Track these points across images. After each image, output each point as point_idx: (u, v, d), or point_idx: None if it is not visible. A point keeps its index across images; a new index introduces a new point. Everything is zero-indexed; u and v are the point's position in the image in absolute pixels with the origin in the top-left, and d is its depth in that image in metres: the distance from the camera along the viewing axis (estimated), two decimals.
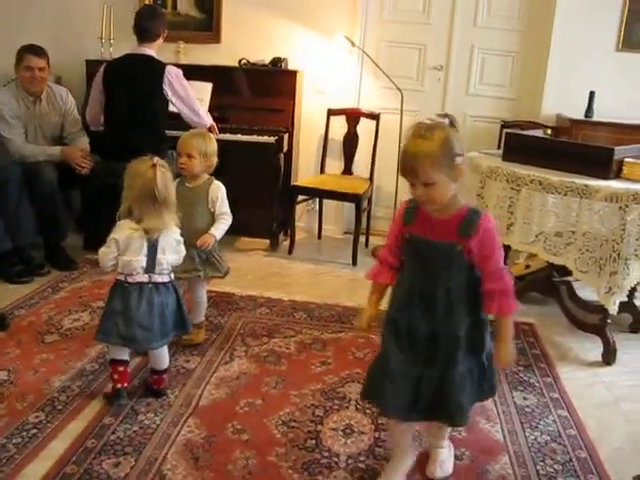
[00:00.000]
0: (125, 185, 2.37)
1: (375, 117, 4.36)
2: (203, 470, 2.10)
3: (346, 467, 2.15)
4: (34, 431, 2.24)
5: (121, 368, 2.46)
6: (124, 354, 2.48)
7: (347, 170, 4.48)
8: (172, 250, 2.45)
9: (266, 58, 4.43)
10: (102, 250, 2.37)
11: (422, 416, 2.00)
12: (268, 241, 4.36)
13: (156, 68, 3.70)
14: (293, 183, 4.36)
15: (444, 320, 1.91)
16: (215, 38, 4.55)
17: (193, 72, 4.33)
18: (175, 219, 2.45)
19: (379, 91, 4.56)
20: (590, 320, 3.20)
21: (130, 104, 3.67)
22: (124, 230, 2.35)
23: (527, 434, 2.42)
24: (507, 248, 3.64)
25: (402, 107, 4.21)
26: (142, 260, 2.37)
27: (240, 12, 4.50)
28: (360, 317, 2.08)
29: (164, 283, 2.43)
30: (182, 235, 2.62)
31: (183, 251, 2.52)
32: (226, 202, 2.89)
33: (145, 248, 2.37)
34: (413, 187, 1.81)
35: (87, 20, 4.61)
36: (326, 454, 2.22)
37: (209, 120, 3.95)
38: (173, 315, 2.48)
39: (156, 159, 2.39)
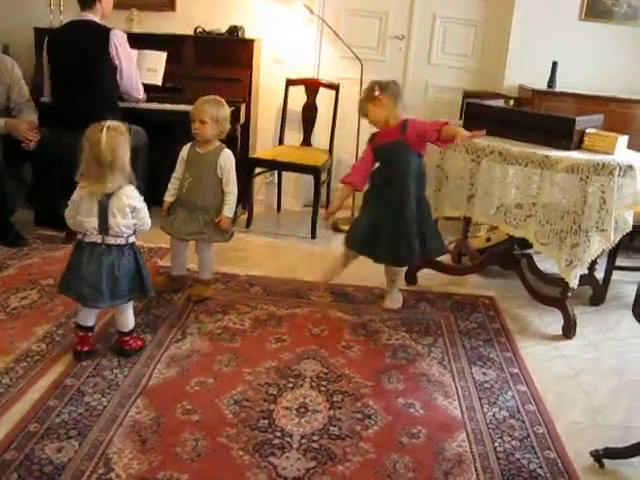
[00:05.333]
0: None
1: (334, 87, 4.25)
2: (150, 453, 2.01)
3: (299, 447, 2.08)
4: None
5: (82, 333, 2.52)
6: (88, 320, 2.50)
7: (306, 141, 4.38)
8: (124, 214, 2.42)
9: (223, 27, 4.26)
10: (66, 209, 2.45)
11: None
12: None
13: (100, 33, 3.53)
14: (251, 155, 4.23)
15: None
16: (170, 5, 4.35)
17: (147, 41, 4.19)
18: (125, 183, 2.43)
19: (339, 61, 4.44)
20: (551, 293, 3.17)
21: (75, 72, 3.52)
22: (77, 191, 2.41)
23: (485, 410, 2.38)
24: (468, 220, 3.62)
25: (362, 77, 4.10)
26: (93, 221, 2.39)
27: None
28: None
29: (119, 245, 2.43)
30: (190, 198, 2.95)
31: (144, 218, 2.50)
32: (234, 173, 3.02)
33: (95, 210, 2.38)
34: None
35: None
36: (279, 434, 2.14)
37: (140, 92, 3.85)
38: (129, 278, 2.47)
39: (109, 123, 2.38)
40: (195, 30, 4.25)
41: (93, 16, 3.57)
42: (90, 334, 2.54)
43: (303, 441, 2.12)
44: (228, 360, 2.58)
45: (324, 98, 4.33)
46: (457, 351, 2.80)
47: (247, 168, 4.11)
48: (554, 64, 4.01)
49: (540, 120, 3.02)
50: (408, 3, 4.36)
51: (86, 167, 2.37)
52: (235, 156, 4.04)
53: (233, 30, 4.23)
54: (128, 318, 2.58)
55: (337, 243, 4.05)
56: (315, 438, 2.14)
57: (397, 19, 4.40)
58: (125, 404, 2.25)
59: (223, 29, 4.26)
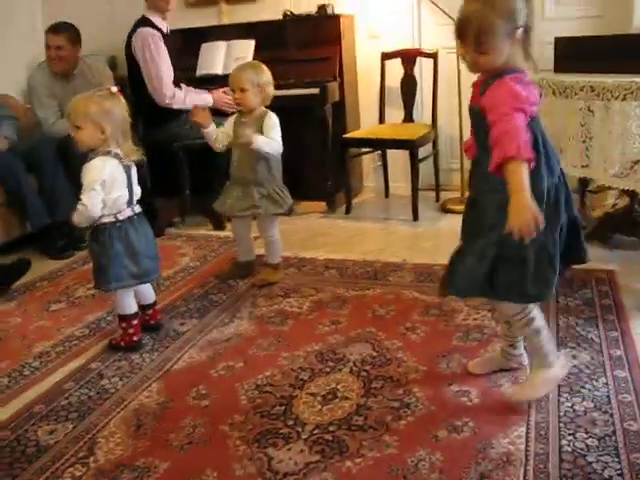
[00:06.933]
0: (98, 125, 2.18)
1: (432, 56, 3.83)
2: (140, 438, 1.80)
3: (308, 438, 1.75)
4: None
5: (135, 321, 2.36)
6: (134, 306, 2.37)
7: (408, 117, 3.99)
8: (135, 179, 2.34)
9: (313, 7, 4.05)
10: (87, 197, 2.18)
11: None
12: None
13: (132, 31, 3.60)
14: (344, 136, 3.94)
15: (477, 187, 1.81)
16: None
17: (235, 31, 4.12)
18: None
19: (440, 28, 3.98)
20: None
21: (128, 72, 3.63)
22: (106, 167, 2.20)
23: (563, 400, 1.86)
24: (584, 185, 3.04)
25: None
26: (126, 194, 2.26)
27: None
28: None
29: (140, 212, 2.35)
30: (241, 172, 2.73)
31: None
32: (277, 130, 2.74)
33: (125, 180, 2.26)
34: (462, 49, 1.67)
35: None
36: (290, 423, 1.83)
37: (163, 99, 3.59)
38: None
39: (112, 88, 2.28)
40: (284, 14, 4.09)
41: (148, 13, 3.63)
42: (137, 320, 2.40)
43: (316, 431, 1.78)
44: (268, 344, 2.31)
45: (423, 69, 3.94)
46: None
47: (340, 149, 3.84)
48: None
49: None
50: None
51: (120, 135, 2.22)
52: (326, 136, 3.85)
53: (322, 9, 4.00)
54: (151, 286, 2.48)
55: (443, 224, 3.64)
56: (331, 429, 1.79)
57: None
58: (138, 388, 2.07)
59: (314, 10, 4.05)
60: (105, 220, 2.24)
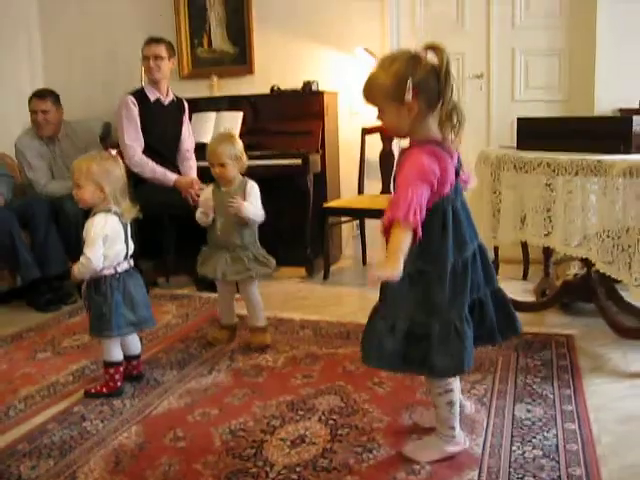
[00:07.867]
0: (98, 185, 2.37)
1: None
2: (118, 474, 1.91)
3: (275, 477, 1.87)
4: None
5: (122, 368, 2.50)
6: (121, 355, 2.51)
7: (385, 189, 4.23)
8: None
9: (299, 84, 4.35)
10: (91, 251, 2.33)
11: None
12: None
13: None
14: (324, 205, 4.16)
15: None
16: (248, 70, 4.56)
17: (225, 103, 4.40)
18: None
19: None
20: (633, 324, 2.69)
21: None
22: (108, 223, 2.38)
23: (514, 448, 2.00)
24: (547, 255, 3.25)
25: None
26: (124, 248, 2.44)
27: (271, 42, 4.50)
28: None
29: (133, 266, 2.52)
30: (228, 238, 2.83)
31: None
32: (259, 198, 2.88)
33: (123, 235, 2.44)
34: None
35: (134, 66, 4.76)
36: (260, 464, 1.94)
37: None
38: None
39: (112, 151, 2.51)
40: (271, 89, 4.38)
41: (144, 83, 4.11)
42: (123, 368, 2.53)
43: (283, 472, 1.90)
44: (243, 394, 2.44)
45: (401, 144, 4.20)
46: (505, 388, 2.42)
47: (320, 218, 4.05)
48: None
49: (595, 125, 2.68)
50: (484, 40, 4.18)
51: (120, 194, 2.42)
52: (307, 205, 4.07)
53: (307, 85, 4.30)
54: (137, 337, 2.61)
55: None
56: (298, 469, 1.91)
57: (474, 58, 4.21)
58: (118, 429, 2.18)
59: (299, 86, 4.35)
60: (106, 272, 2.40)
